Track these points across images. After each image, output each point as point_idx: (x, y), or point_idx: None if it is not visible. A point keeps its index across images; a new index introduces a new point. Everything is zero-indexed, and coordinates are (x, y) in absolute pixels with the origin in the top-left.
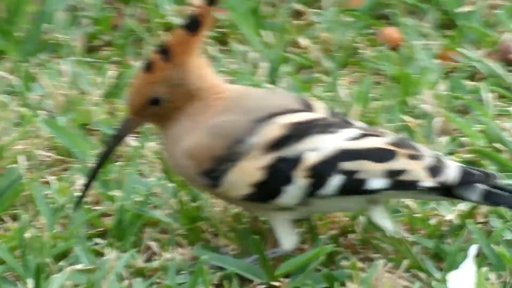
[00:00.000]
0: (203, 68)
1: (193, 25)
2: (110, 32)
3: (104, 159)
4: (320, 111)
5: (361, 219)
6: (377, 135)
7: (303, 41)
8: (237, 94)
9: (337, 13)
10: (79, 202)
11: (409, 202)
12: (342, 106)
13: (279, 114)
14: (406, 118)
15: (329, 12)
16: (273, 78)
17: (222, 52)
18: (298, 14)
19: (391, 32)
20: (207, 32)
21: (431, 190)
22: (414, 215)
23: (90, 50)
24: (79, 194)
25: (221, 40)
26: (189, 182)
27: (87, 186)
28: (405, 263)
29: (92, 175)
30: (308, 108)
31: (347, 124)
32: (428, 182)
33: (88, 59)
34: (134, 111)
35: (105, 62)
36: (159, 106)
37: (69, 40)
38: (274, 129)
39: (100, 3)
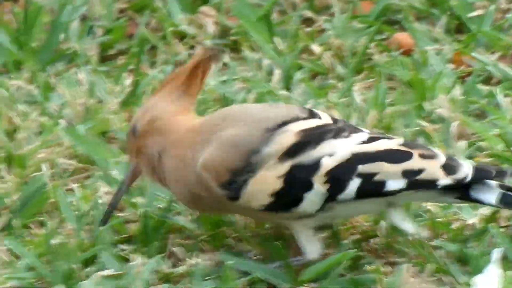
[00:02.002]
0: (181, 109)
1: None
2: (124, 41)
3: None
4: (325, 118)
5: (383, 223)
6: (386, 138)
7: (316, 48)
8: (228, 111)
9: (347, 19)
10: (105, 220)
11: (430, 206)
12: (357, 112)
13: (290, 122)
14: (423, 123)
15: (340, 19)
16: (287, 85)
17: (235, 59)
18: (309, 21)
19: (403, 37)
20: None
21: (448, 190)
22: (437, 219)
23: (105, 59)
24: (105, 212)
25: (234, 48)
26: (205, 208)
27: (111, 209)
28: (429, 267)
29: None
30: (312, 115)
31: (355, 129)
32: (445, 180)
33: (104, 68)
34: (127, 146)
35: (121, 71)
36: (136, 136)
37: (84, 50)
38: (288, 136)
39: (113, 12)
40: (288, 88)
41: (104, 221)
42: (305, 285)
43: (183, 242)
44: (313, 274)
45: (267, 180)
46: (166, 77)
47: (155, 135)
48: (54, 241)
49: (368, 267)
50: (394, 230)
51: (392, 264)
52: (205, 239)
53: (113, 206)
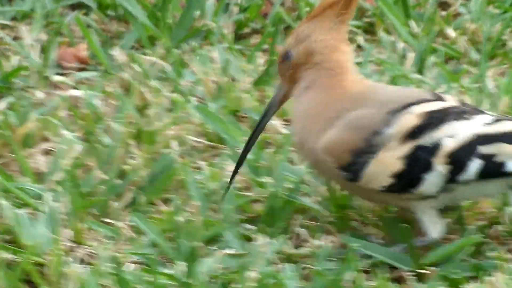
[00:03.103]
0: (338, 43)
1: None
2: (260, 20)
3: (255, 134)
4: (450, 101)
5: (509, 210)
6: (510, 120)
7: (451, 32)
8: (370, 87)
9: (484, 4)
10: (228, 188)
11: None
12: (489, 97)
13: (413, 104)
14: None
15: (477, 3)
16: (421, 68)
17: (370, 42)
18: (445, 5)
19: None
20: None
21: None
22: None
23: (240, 37)
24: (229, 179)
25: (369, 30)
26: (324, 176)
27: (236, 169)
28: None
29: (243, 156)
30: (439, 99)
31: (480, 112)
32: None
33: (238, 47)
34: (277, 70)
35: (255, 50)
36: (289, 64)
37: (219, 28)
38: (411, 118)
39: None
40: (421, 72)
41: (230, 183)
42: (427, 268)
43: (308, 223)
44: (436, 258)
45: (388, 161)
46: (319, 4)
47: (311, 67)
48: (179, 219)
49: (490, 254)
50: None
51: None
52: (331, 221)
53: (251, 144)
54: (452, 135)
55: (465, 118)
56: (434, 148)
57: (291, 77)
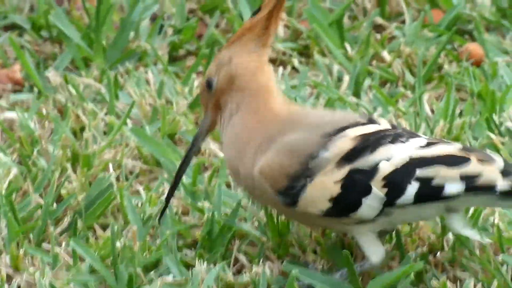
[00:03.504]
0: (259, 65)
1: (256, 11)
2: (194, 41)
3: (185, 162)
4: (384, 124)
5: (449, 236)
6: (445, 143)
7: (386, 55)
8: (298, 110)
9: (418, 27)
10: (162, 213)
11: (497, 220)
12: (426, 121)
13: (348, 127)
14: (492, 135)
15: (411, 27)
16: (356, 91)
17: (305, 64)
18: (380, 28)
19: (474, 47)
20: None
21: (508, 195)
22: (503, 234)
23: (174, 59)
24: (163, 204)
25: (304, 53)
26: (261, 201)
27: (170, 195)
28: (496, 283)
29: (175, 183)
30: (371, 122)
31: (413, 134)
32: (503, 184)
33: (173, 68)
34: (200, 100)
35: (190, 72)
36: (212, 92)
37: (153, 49)
38: (346, 141)
39: (183, 13)
40: (357, 95)
41: (164, 208)
42: None
43: (247, 249)
44: (378, 286)
45: (325, 185)
46: (239, 29)
47: (234, 92)
48: (118, 244)
49: (434, 282)
50: (460, 243)
51: (458, 279)
52: (270, 246)
53: (182, 171)
54: (389, 158)
55: (401, 141)
56: (371, 172)
57: (216, 104)
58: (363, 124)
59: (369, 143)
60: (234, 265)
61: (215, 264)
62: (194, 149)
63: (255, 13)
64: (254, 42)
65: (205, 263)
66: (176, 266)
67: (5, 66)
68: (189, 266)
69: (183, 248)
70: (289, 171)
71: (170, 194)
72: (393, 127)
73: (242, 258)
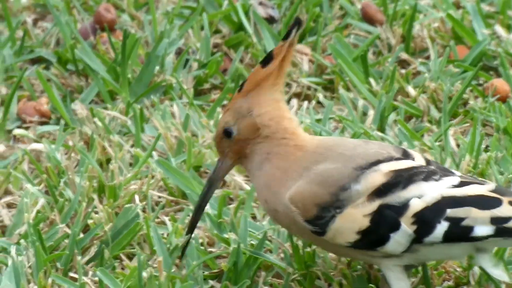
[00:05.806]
0: (282, 112)
1: (267, 59)
2: (219, 75)
3: (202, 203)
4: (418, 159)
5: (476, 270)
6: (478, 183)
7: (411, 90)
8: (325, 141)
9: (443, 63)
10: (185, 245)
11: None
12: (452, 156)
13: (382, 161)
14: None
15: (436, 62)
16: (381, 126)
17: (329, 98)
18: (404, 63)
19: (500, 83)
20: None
21: None
22: None
23: (199, 93)
24: (186, 236)
25: (329, 88)
26: (290, 230)
27: (191, 229)
28: None
29: (194, 219)
30: (406, 156)
31: (447, 172)
32: None
33: (198, 102)
34: (216, 146)
35: (215, 105)
36: (232, 140)
37: (179, 83)
38: (379, 176)
39: (208, 47)
40: (382, 129)
41: (188, 240)
42: None
43: (273, 281)
44: None
45: (354, 218)
46: (250, 78)
47: (260, 141)
48: (144, 274)
49: None
50: (487, 277)
51: None
52: (296, 278)
53: (199, 215)
54: (420, 196)
55: (434, 179)
56: (401, 208)
57: (237, 152)
58: (397, 159)
59: (401, 179)
60: None
61: None
62: (208, 196)
63: (264, 60)
64: (270, 89)
65: None
66: None
67: (32, 98)
68: None
69: (209, 279)
70: (320, 201)
71: (191, 230)
72: (428, 162)
73: None
